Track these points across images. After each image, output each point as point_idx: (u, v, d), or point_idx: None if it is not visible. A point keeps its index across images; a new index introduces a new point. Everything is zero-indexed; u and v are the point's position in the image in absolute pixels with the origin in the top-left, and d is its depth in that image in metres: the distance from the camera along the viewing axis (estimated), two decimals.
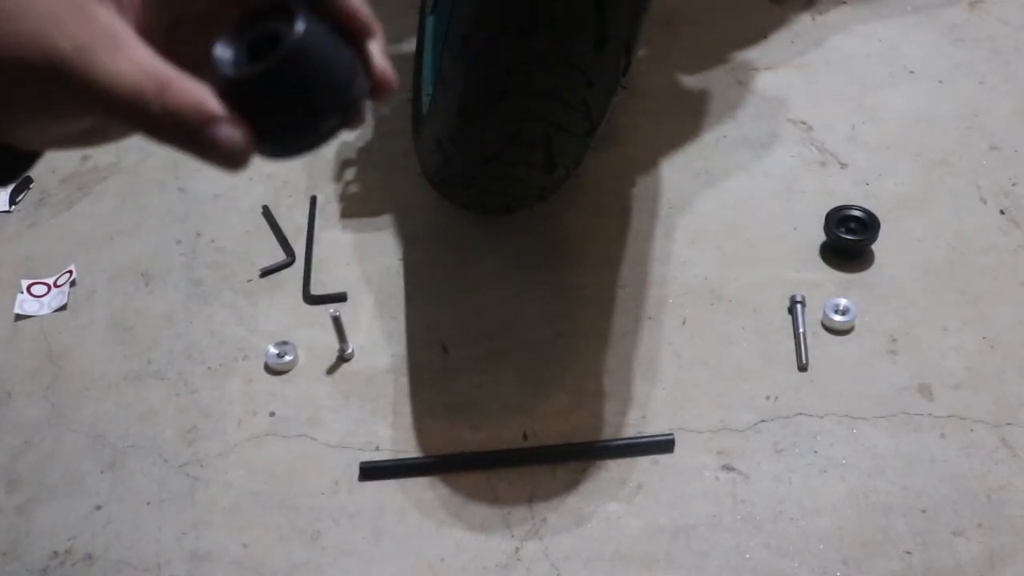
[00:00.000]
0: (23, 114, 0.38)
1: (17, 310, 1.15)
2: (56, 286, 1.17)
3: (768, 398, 1.00)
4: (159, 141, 0.37)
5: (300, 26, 0.37)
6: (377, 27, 0.40)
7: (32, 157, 0.43)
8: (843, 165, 1.24)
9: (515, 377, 1.04)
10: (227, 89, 0.38)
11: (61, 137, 0.41)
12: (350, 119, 0.40)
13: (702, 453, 0.97)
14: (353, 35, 0.40)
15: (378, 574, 0.90)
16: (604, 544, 0.91)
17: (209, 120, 0.36)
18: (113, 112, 0.37)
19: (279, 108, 0.38)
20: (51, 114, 0.38)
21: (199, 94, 0.37)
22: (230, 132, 0.37)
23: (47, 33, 0.36)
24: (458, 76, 0.91)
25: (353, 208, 1.24)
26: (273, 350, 1.07)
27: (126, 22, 0.38)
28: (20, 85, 0.37)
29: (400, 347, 1.08)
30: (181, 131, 0.37)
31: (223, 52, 0.39)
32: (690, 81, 1.38)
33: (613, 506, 0.93)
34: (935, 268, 1.12)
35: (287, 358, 1.07)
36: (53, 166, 1.36)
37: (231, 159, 0.37)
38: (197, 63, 0.41)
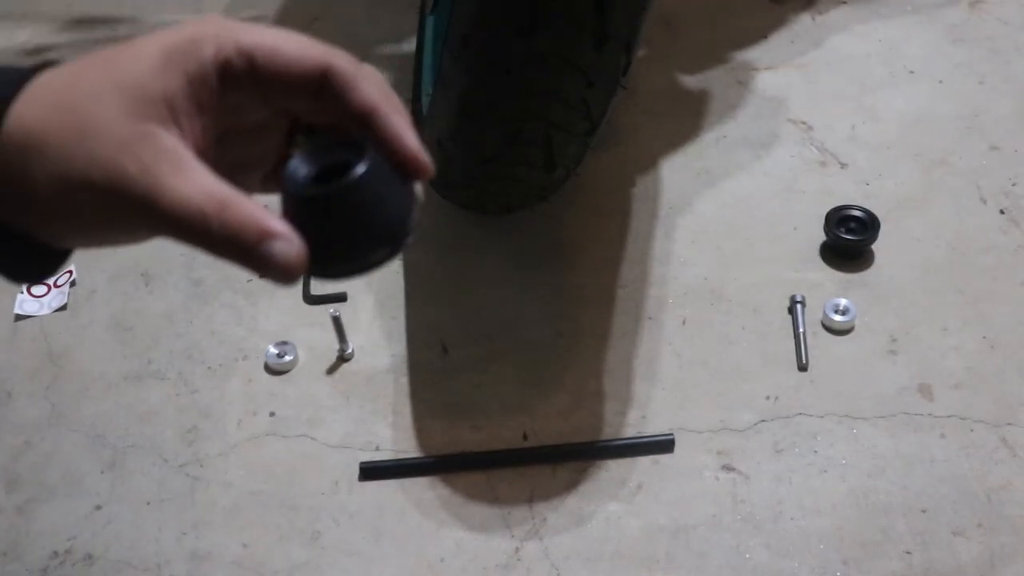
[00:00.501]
0: (86, 227, 0.40)
1: (17, 310, 1.15)
2: (56, 286, 1.17)
3: (768, 398, 1.00)
4: (215, 256, 0.39)
5: (366, 161, 0.40)
6: (432, 170, 0.43)
7: (67, 253, 0.45)
8: (843, 165, 1.24)
9: (515, 377, 1.04)
10: (291, 204, 0.40)
11: (111, 242, 0.43)
12: (398, 251, 0.42)
13: (702, 453, 0.97)
14: (409, 174, 0.42)
15: (378, 574, 0.90)
16: (604, 544, 0.91)
17: (264, 236, 0.38)
18: (175, 231, 0.38)
19: (334, 232, 0.40)
20: (113, 229, 0.40)
21: (256, 213, 0.38)
22: (283, 248, 0.38)
23: (115, 156, 0.38)
24: (458, 76, 0.91)
25: None
26: (273, 350, 1.07)
27: (187, 145, 0.39)
28: (87, 202, 0.38)
29: (400, 347, 1.08)
30: (238, 248, 0.38)
31: (296, 167, 0.41)
32: (690, 81, 1.38)
33: (613, 506, 0.93)
34: (935, 268, 1.12)
35: (287, 358, 1.07)
36: None
37: (283, 273, 0.39)
38: (242, 168, 0.43)
